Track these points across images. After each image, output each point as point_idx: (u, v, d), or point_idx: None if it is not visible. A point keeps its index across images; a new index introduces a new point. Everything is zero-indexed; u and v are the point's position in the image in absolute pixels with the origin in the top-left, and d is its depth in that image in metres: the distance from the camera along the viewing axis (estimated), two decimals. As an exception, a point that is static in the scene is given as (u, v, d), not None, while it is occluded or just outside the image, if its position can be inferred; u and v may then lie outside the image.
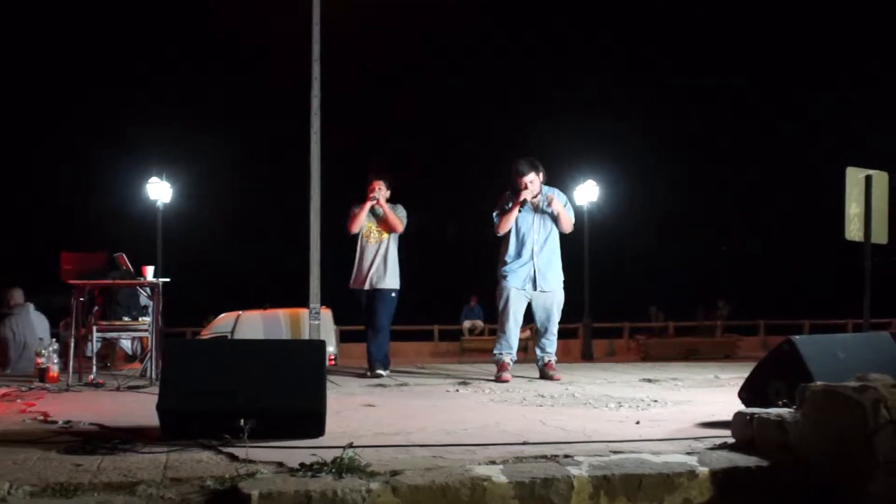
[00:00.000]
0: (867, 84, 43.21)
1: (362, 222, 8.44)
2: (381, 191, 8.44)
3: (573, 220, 8.17)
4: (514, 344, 8.01)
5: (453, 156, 47.83)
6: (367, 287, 8.42)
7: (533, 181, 7.92)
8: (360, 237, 8.48)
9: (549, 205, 7.96)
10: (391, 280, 8.44)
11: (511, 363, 7.96)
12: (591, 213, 24.83)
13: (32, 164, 43.04)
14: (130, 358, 9.54)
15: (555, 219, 8.00)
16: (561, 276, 8.08)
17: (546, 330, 8.05)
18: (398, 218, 8.43)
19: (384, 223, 8.44)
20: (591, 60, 51.36)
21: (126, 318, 8.30)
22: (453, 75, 50.52)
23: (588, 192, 24.45)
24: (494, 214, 8.04)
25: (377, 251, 8.42)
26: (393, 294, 8.46)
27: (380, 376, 8.05)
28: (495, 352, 8.00)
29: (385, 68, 46.08)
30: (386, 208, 8.40)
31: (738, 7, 52.80)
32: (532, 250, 7.93)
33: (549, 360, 7.97)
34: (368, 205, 8.40)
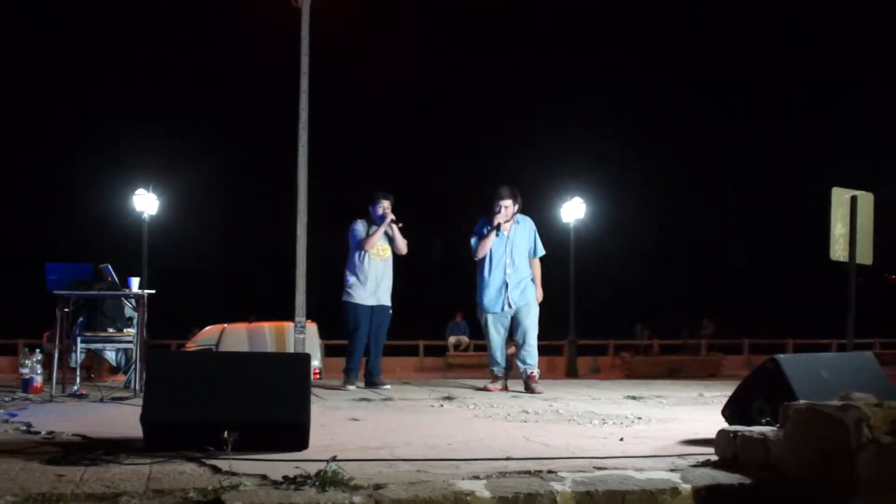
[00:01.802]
0: (859, 103, 43.52)
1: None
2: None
3: (541, 247, 8.55)
4: (499, 359, 8.48)
5: (439, 172, 47.91)
6: (372, 303, 8.57)
7: (508, 207, 8.33)
8: (364, 253, 8.56)
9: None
10: (391, 296, 8.70)
11: (500, 375, 8.42)
12: (578, 230, 24.80)
13: (19, 174, 42.86)
14: (115, 369, 9.50)
15: (526, 241, 8.42)
16: (533, 292, 8.42)
17: (524, 342, 8.39)
18: (404, 240, 8.64)
19: (391, 242, 8.62)
20: (579, 76, 51.61)
21: (111, 330, 8.27)
22: (440, 91, 50.62)
23: (575, 209, 24.39)
24: (472, 240, 8.43)
25: (384, 269, 8.61)
26: (390, 311, 8.73)
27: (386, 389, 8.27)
28: (488, 364, 8.52)
29: (373, 84, 46.15)
30: (397, 230, 8.58)
31: (728, 20, 53.18)
32: (503, 272, 8.32)
33: (532, 373, 8.30)
34: (385, 225, 8.53)
